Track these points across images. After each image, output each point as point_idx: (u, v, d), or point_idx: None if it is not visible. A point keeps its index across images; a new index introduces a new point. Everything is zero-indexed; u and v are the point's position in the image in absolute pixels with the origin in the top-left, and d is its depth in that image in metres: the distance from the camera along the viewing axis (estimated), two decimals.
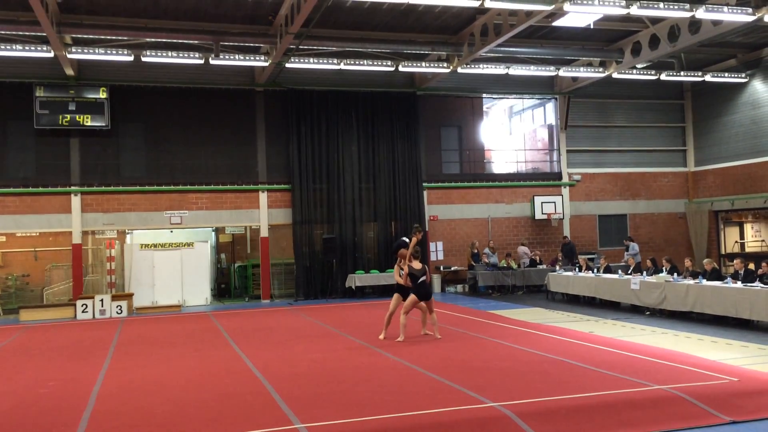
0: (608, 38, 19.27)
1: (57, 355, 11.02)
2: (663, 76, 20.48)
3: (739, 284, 12.04)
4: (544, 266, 20.04)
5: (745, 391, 7.03)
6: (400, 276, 11.31)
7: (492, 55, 18.36)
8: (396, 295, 11.40)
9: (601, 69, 19.96)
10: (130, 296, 17.75)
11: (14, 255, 19.08)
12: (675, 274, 13.90)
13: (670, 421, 6.27)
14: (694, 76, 21.10)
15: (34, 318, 16.45)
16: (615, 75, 19.92)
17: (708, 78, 21.08)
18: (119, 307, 16.94)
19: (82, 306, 16.73)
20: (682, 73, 20.96)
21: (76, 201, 18.41)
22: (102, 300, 16.90)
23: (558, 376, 7.96)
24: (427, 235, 20.71)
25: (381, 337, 11.25)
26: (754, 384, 7.29)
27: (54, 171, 18.36)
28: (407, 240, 11.74)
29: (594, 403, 6.72)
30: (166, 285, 18.70)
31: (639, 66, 19.80)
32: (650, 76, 20.49)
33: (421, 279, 10.93)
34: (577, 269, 17.47)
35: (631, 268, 15.78)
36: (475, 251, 20.50)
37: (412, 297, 10.95)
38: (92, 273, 19.06)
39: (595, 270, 16.75)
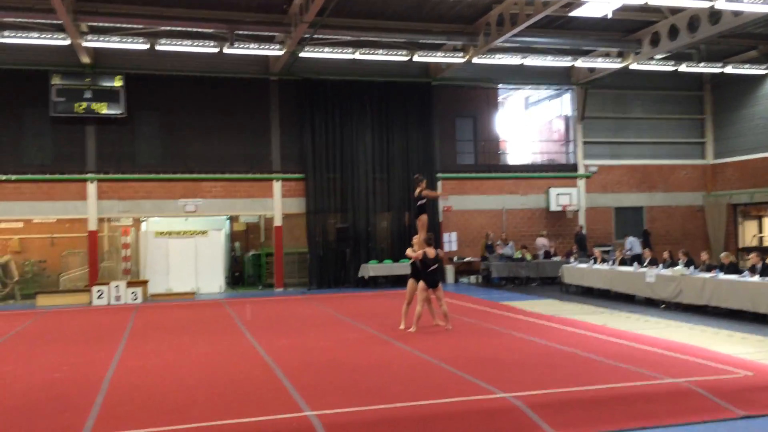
0: (626, 28, 19.02)
1: (72, 340, 11.13)
2: (682, 68, 20.22)
3: (756, 278, 11.88)
4: (559, 258, 19.91)
5: (759, 385, 6.94)
6: (413, 252, 11.26)
7: (508, 45, 18.19)
8: (410, 281, 11.33)
9: (618, 60, 19.72)
10: (144, 283, 17.88)
11: (31, 241, 19.28)
12: (691, 267, 13.75)
13: (682, 414, 6.21)
14: (713, 67, 20.80)
15: (50, 303, 16.63)
16: (633, 66, 19.68)
17: (728, 69, 20.78)
18: (134, 294, 17.07)
19: (98, 292, 16.88)
20: (701, 65, 20.68)
21: (92, 188, 18.54)
22: (117, 286, 17.04)
23: (570, 368, 7.91)
24: (441, 226, 20.64)
25: (401, 328, 11.17)
26: None
27: (70, 158, 18.49)
28: (424, 202, 11.81)
29: (606, 395, 6.66)
30: (181, 272, 18.84)
31: (657, 57, 19.55)
32: (669, 67, 20.24)
33: (431, 267, 10.90)
34: (592, 261, 17.34)
35: (647, 260, 15.63)
36: (490, 242, 20.41)
37: (422, 285, 10.92)
38: (108, 260, 19.22)
39: (611, 262, 16.61)
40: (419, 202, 12.17)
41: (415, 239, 11.47)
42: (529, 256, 20.03)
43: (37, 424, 6.14)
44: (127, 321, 13.33)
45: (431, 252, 10.97)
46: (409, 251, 11.39)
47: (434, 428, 5.85)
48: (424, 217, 11.30)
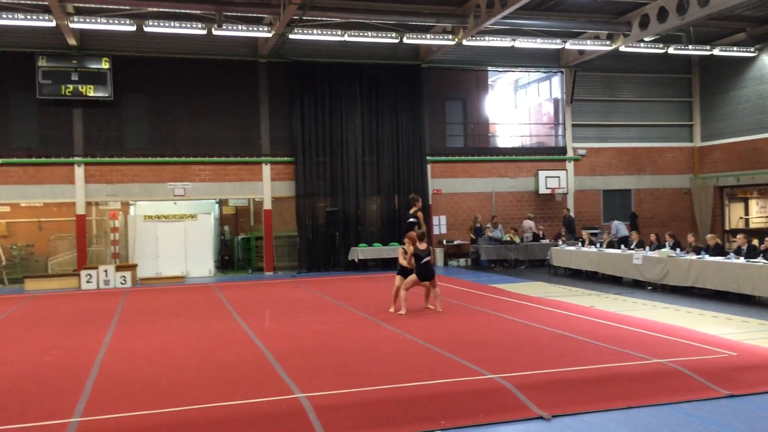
0: (616, 11, 19.01)
1: (61, 324, 11.12)
2: (671, 50, 20.26)
3: (741, 260, 12.02)
4: (547, 240, 20.02)
5: (743, 365, 7.05)
6: (404, 258, 11.33)
7: (498, 27, 18.12)
8: (398, 277, 11.44)
9: (608, 42, 19.73)
10: (134, 267, 17.84)
11: (18, 225, 19.15)
12: (678, 249, 13.88)
13: (667, 394, 6.31)
14: (702, 50, 20.85)
15: (38, 287, 16.58)
16: (622, 48, 19.71)
17: (716, 52, 20.85)
18: (123, 278, 17.04)
19: (87, 276, 16.83)
20: (690, 47, 20.71)
21: (79, 172, 18.42)
22: (106, 270, 17.00)
23: (557, 349, 8.00)
24: (430, 209, 20.70)
25: (391, 310, 11.25)
26: (753, 358, 7.32)
27: (57, 141, 18.34)
28: (415, 221, 11.86)
29: (592, 375, 6.75)
30: (170, 256, 18.80)
31: (647, 39, 19.56)
32: (658, 50, 20.27)
33: (425, 260, 10.94)
34: (580, 243, 17.46)
35: (634, 243, 15.76)
36: (478, 225, 20.47)
37: (413, 276, 10.99)
38: (96, 244, 19.14)
39: (598, 245, 16.73)
40: (410, 219, 12.41)
41: (407, 239, 11.46)
42: (517, 239, 20.12)
43: (28, 407, 6.15)
44: (116, 305, 13.32)
45: (422, 245, 10.97)
46: (401, 260, 11.44)
47: (423, 409, 5.91)
48: (412, 233, 11.28)
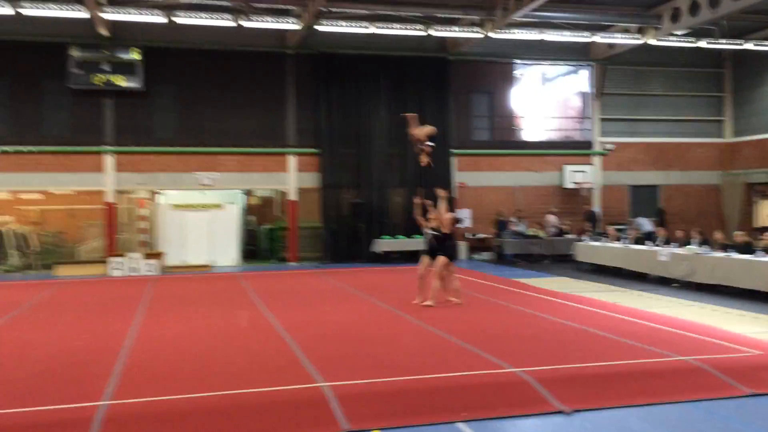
0: (646, 3, 18.73)
1: (90, 309, 11.36)
2: (702, 44, 19.91)
3: None
4: (572, 235, 19.89)
5: (767, 364, 6.98)
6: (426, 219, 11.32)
7: (526, 20, 17.97)
8: (425, 258, 11.33)
9: (638, 35, 19.46)
10: (160, 255, 18.12)
11: (50, 212, 19.54)
12: (705, 246, 13.72)
13: (689, 391, 6.29)
14: (734, 44, 20.46)
15: (68, 273, 16.93)
16: (652, 42, 19.42)
17: (749, 46, 20.42)
18: (150, 266, 17.31)
19: (115, 263, 17.14)
20: (722, 41, 20.32)
21: (109, 160, 18.73)
22: (134, 258, 17.29)
23: (580, 345, 7.99)
24: (455, 202, 20.65)
25: (416, 302, 11.13)
26: None
27: (88, 131, 18.65)
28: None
29: (614, 371, 6.75)
30: (196, 245, 19.05)
31: (678, 33, 19.25)
32: (689, 44, 19.93)
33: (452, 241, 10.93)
34: (604, 239, 17.31)
35: (661, 239, 15.59)
36: (503, 219, 20.38)
37: (443, 259, 10.95)
38: (125, 232, 19.46)
39: (624, 241, 16.59)
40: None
41: (433, 211, 11.39)
42: (542, 234, 20.02)
43: (58, 390, 6.32)
44: (143, 292, 13.56)
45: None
46: (419, 219, 11.43)
47: (444, 400, 5.97)
48: (443, 191, 11.36)
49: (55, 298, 13.02)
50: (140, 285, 14.82)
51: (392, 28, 17.82)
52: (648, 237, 17.02)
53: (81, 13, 16.07)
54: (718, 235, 14.44)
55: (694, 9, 17.53)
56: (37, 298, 12.79)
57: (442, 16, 18.12)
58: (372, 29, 17.67)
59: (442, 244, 10.99)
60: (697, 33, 19.93)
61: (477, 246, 21.09)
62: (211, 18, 16.74)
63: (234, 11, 16.93)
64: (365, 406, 5.82)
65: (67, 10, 15.98)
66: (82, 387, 6.40)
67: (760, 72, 21.99)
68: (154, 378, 6.70)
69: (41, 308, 11.65)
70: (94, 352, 7.94)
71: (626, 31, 19.89)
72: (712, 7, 16.82)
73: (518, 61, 22.15)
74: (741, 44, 20.39)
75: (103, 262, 17.58)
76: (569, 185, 21.56)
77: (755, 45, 20.42)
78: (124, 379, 6.65)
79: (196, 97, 19.35)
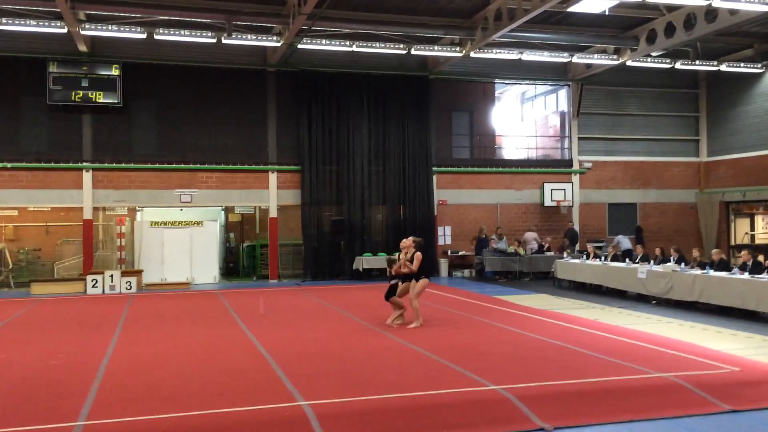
0: (623, 25, 19.09)
1: (67, 328, 11.19)
2: (678, 65, 20.30)
3: (746, 276, 12.01)
4: (552, 253, 20.02)
5: (746, 380, 7.06)
6: (405, 267, 11.03)
7: (505, 40, 18.21)
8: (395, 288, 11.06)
9: (615, 56, 19.81)
10: (139, 273, 17.93)
11: (26, 229, 19.28)
12: (683, 263, 13.88)
13: (669, 408, 6.32)
14: (709, 65, 20.88)
15: (44, 291, 16.67)
16: (629, 63, 19.78)
17: (723, 68, 20.86)
18: (129, 283, 17.11)
19: (92, 281, 16.92)
20: (697, 62, 20.73)
21: (87, 177, 18.55)
22: (112, 275, 17.08)
23: (560, 362, 8.01)
24: (436, 220, 20.75)
25: (387, 322, 10.97)
26: (756, 374, 7.32)
27: (66, 147, 18.49)
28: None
29: (595, 388, 6.77)
30: (175, 262, 18.88)
31: (654, 54, 19.62)
32: (665, 65, 20.31)
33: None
34: (584, 256, 17.45)
35: (639, 257, 15.76)
36: (483, 236, 20.46)
37: (424, 281, 10.91)
38: (102, 249, 19.24)
39: (603, 258, 16.74)
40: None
41: (404, 243, 11.09)
42: (522, 251, 20.13)
43: (34, 410, 6.20)
44: (121, 310, 13.39)
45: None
46: (404, 267, 10.88)
47: (425, 418, 5.94)
48: (417, 239, 11.15)
49: (31, 316, 12.80)
50: (118, 303, 14.63)
51: (374, 46, 17.95)
52: (627, 254, 17.20)
53: (60, 29, 15.98)
54: (695, 253, 14.62)
55: (669, 31, 17.90)
56: (13, 317, 12.56)
57: (423, 35, 18.31)
58: (353, 48, 17.79)
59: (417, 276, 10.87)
60: (672, 54, 20.34)
61: (457, 263, 21.15)
62: (192, 35, 16.73)
63: (215, 28, 16.95)
64: (346, 424, 5.77)
65: (47, 26, 15.89)
66: (58, 406, 6.28)
67: (734, 92, 22.44)
68: (132, 398, 6.60)
69: (17, 327, 11.44)
70: (71, 372, 7.81)
71: (603, 51, 20.24)
72: (687, 29, 17.19)
73: (498, 81, 22.42)
74: (716, 65, 20.82)
75: (81, 279, 17.35)
76: (549, 203, 21.75)
77: (729, 67, 20.86)
78: (100, 399, 6.54)
79: (176, 114, 19.29)
